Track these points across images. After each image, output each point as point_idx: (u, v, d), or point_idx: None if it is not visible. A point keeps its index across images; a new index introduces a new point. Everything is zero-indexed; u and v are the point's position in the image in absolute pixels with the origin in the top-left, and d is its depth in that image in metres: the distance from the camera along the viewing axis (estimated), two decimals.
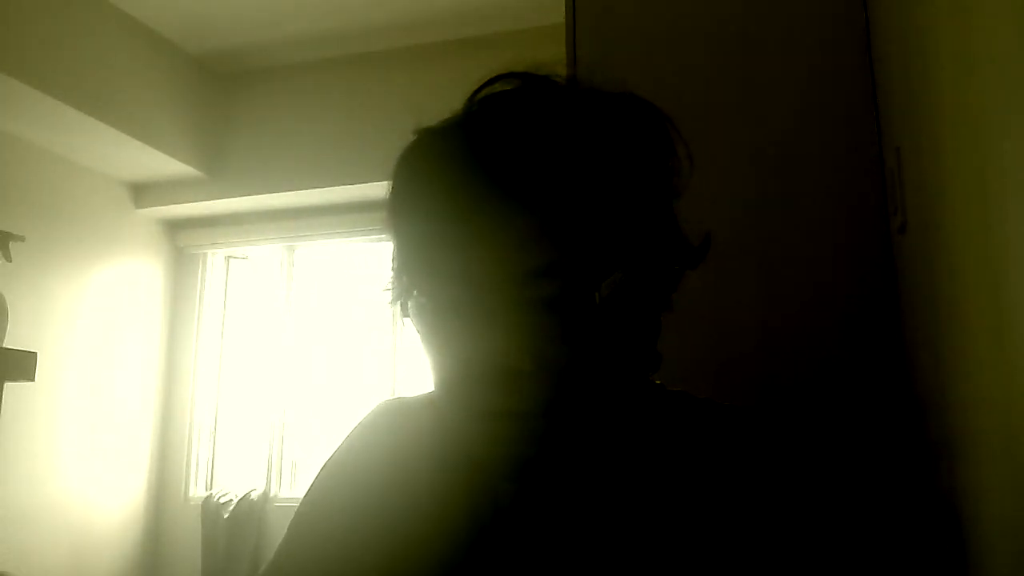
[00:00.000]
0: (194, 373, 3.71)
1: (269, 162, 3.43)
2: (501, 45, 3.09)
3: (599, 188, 0.50)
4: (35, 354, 1.62)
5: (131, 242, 3.56)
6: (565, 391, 0.49)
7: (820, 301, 1.14)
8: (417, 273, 0.52)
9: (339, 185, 3.31)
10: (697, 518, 0.54)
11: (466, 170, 0.49)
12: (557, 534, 0.56)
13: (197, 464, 3.66)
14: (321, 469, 0.67)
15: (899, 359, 1.08)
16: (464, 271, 0.49)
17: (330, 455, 0.68)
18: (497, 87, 0.54)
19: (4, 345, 1.61)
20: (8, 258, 1.80)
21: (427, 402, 0.64)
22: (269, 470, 3.49)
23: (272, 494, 3.45)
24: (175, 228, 3.78)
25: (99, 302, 3.33)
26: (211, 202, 3.54)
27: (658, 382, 0.62)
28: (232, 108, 3.57)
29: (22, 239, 1.83)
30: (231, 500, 3.40)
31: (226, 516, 3.35)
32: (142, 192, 3.58)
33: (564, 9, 1.36)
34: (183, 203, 3.55)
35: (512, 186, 0.48)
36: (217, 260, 3.87)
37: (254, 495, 3.41)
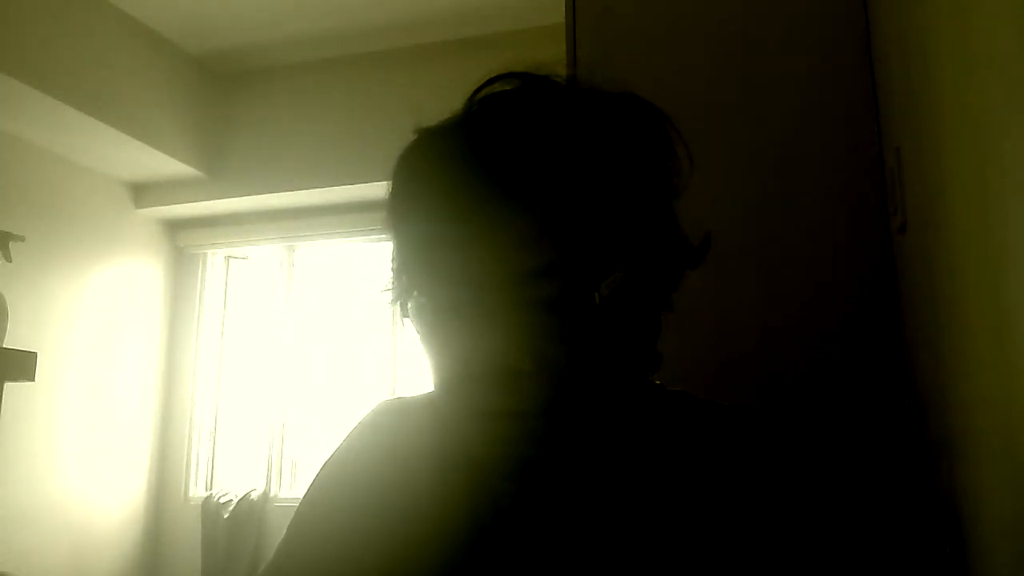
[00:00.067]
0: (194, 373, 3.71)
1: (269, 162, 3.43)
2: (501, 45, 3.09)
3: (599, 188, 0.50)
4: (35, 354, 1.62)
5: (131, 242, 3.56)
6: (565, 391, 0.49)
7: (820, 301, 1.14)
8: (417, 273, 0.52)
9: (339, 185, 3.31)
10: (697, 518, 0.54)
11: (466, 170, 0.49)
12: (557, 534, 0.56)
13: (197, 464, 3.66)
14: (321, 469, 0.67)
15: (899, 359, 1.08)
16: (464, 271, 0.49)
17: (330, 455, 0.68)
18: (497, 87, 0.54)
19: (4, 345, 1.61)
20: (8, 258, 1.80)
21: (427, 402, 0.64)
22: (269, 470, 3.49)
23: (272, 494, 3.45)
24: (175, 228, 3.78)
25: (99, 302, 3.33)
26: (211, 202, 3.54)
27: (658, 382, 0.62)
28: (232, 108, 3.57)
29: (22, 239, 1.83)
30: (231, 500, 3.40)
31: (226, 516, 3.35)
32: (142, 192, 3.58)
33: (564, 9, 1.36)
34: (183, 203, 3.55)
35: (512, 186, 0.48)
36: (217, 260, 3.87)
37: (254, 495, 3.41)
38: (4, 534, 2.81)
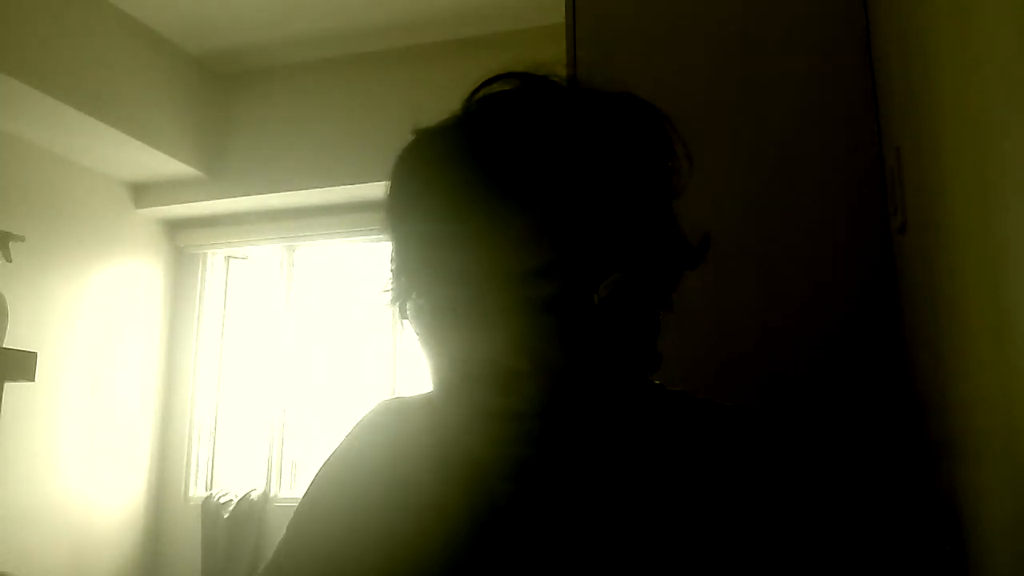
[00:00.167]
0: (194, 373, 3.71)
1: (269, 162, 3.43)
2: (501, 45, 3.09)
3: (598, 188, 0.50)
4: (35, 354, 1.62)
5: (131, 242, 3.56)
6: (563, 392, 0.49)
7: (820, 301, 1.14)
8: (416, 273, 0.52)
9: (339, 185, 3.31)
10: (696, 518, 0.54)
11: (465, 170, 0.49)
12: (555, 534, 0.56)
13: (197, 464, 3.66)
14: (320, 468, 0.67)
15: (899, 359, 1.08)
16: (463, 271, 0.49)
17: (330, 454, 0.68)
18: (496, 87, 0.54)
19: (4, 345, 1.61)
20: (8, 258, 1.80)
21: (426, 402, 0.64)
22: (269, 470, 3.49)
23: (272, 494, 3.45)
24: (175, 228, 3.78)
25: (99, 302, 3.33)
26: (211, 202, 3.54)
27: (658, 382, 0.62)
28: (232, 108, 3.57)
29: (22, 239, 1.83)
30: (231, 500, 3.40)
31: (226, 516, 3.35)
32: (142, 192, 3.58)
33: (564, 9, 1.36)
34: (183, 203, 3.55)
35: (511, 186, 0.48)
36: (217, 260, 3.87)
37: (254, 495, 3.41)
38: (4, 534, 2.81)
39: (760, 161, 1.21)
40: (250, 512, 3.36)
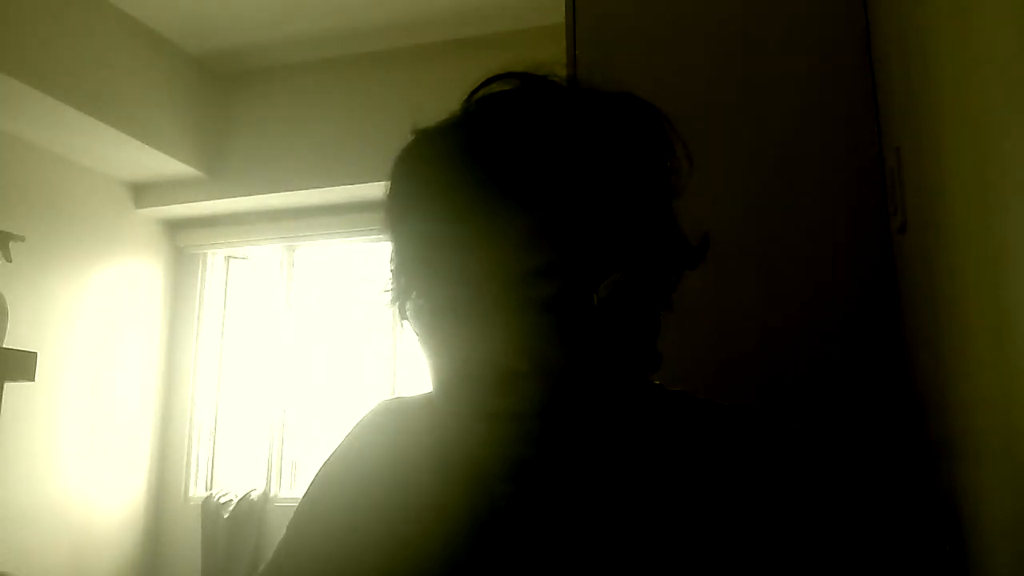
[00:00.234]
0: (194, 373, 3.71)
1: (269, 162, 3.43)
2: (501, 45, 3.09)
3: (597, 188, 0.50)
4: (35, 354, 1.62)
5: (131, 242, 3.56)
6: (563, 392, 0.49)
7: (820, 301, 1.14)
8: (415, 274, 0.52)
9: (339, 185, 3.31)
10: (696, 519, 0.54)
11: (464, 170, 0.49)
12: (555, 535, 0.56)
13: (197, 464, 3.66)
14: (320, 468, 0.67)
15: (899, 359, 1.08)
16: (462, 271, 0.49)
17: (329, 454, 0.68)
18: (495, 87, 0.54)
19: (4, 345, 1.61)
20: (8, 258, 1.80)
21: (426, 402, 0.64)
22: (269, 470, 3.49)
23: (272, 494, 3.45)
24: (175, 228, 3.78)
25: (99, 302, 3.33)
26: (211, 202, 3.54)
27: (658, 382, 0.62)
28: (232, 108, 3.57)
29: (22, 239, 1.83)
30: (231, 500, 3.40)
31: (226, 516, 3.35)
32: (142, 192, 3.58)
33: (564, 9, 1.35)
34: (183, 203, 3.55)
35: (510, 186, 0.48)
36: (217, 260, 3.87)
37: (254, 495, 3.41)
38: (4, 534, 2.81)
39: (760, 161, 1.21)
40: (250, 512, 3.36)
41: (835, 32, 1.23)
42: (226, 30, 3.25)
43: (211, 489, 3.59)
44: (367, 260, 3.70)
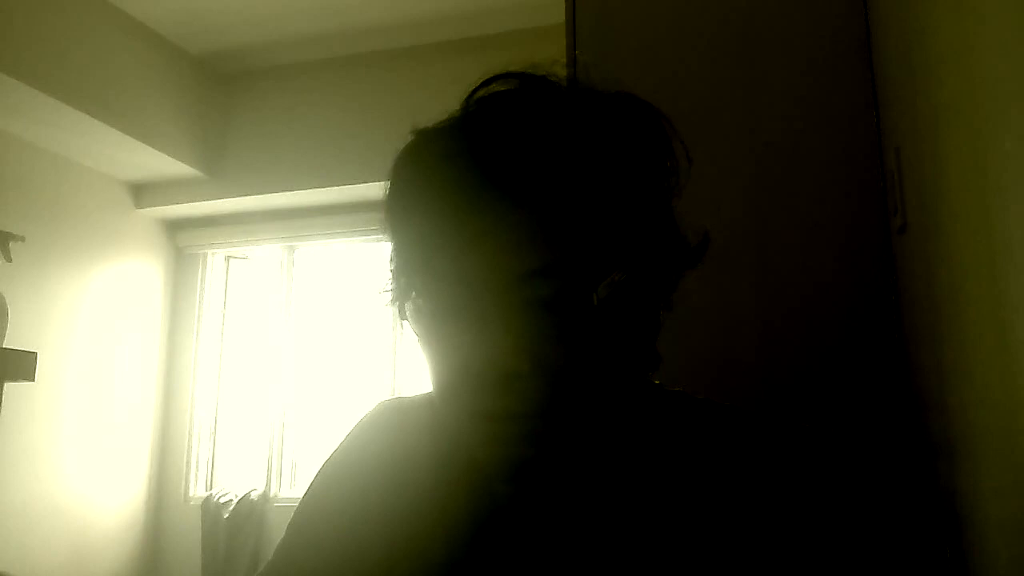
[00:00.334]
0: (194, 373, 3.71)
1: (269, 162, 3.43)
2: (501, 45, 3.09)
3: (597, 188, 0.50)
4: (35, 354, 1.62)
5: (131, 242, 3.56)
6: (563, 392, 0.49)
7: (820, 301, 1.14)
8: (415, 274, 0.52)
9: (339, 185, 3.31)
10: (696, 519, 0.54)
11: (464, 170, 0.49)
12: (555, 534, 0.56)
13: (197, 464, 3.66)
14: (320, 469, 0.67)
15: (899, 359, 1.08)
16: (462, 272, 0.49)
17: (329, 455, 0.68)
18: (495, 87, 0.53)
19: (4, 345, 1.62)
20: (8, 258, 1.80)
21: (426, 402, 0.64)
22: (269, 470, 3.49)
23: (272, 494, 3.45)
24: (175, 228, 3.78)
25: (99, 302, 3.33)
26: (211, 202, 3.54)
27: (658, 382, 0.62)
28: (232, 108, 3.57)
29: (22, 239, 1.83)
30: (231, 500, 3.40)
31: (226, 516, 3.35)
32: (142, 192, 3.58)
33: (564, 9, 1.35)
34: (183, 203, 3.55)
35: (510, 186, 0.48)
36: (217, 260, 3.87)
37: (254, 495, 3.41)
38: (4, 534, 2.81)
39: (760, 161, 1.21)
40: (250, 512, 3.36)
41: (835, 32, 1.23)
42: (226, 30, 3.25)
43: (211, 489, 3.59)
44: (367, 260, 3.70)
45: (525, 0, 2.91)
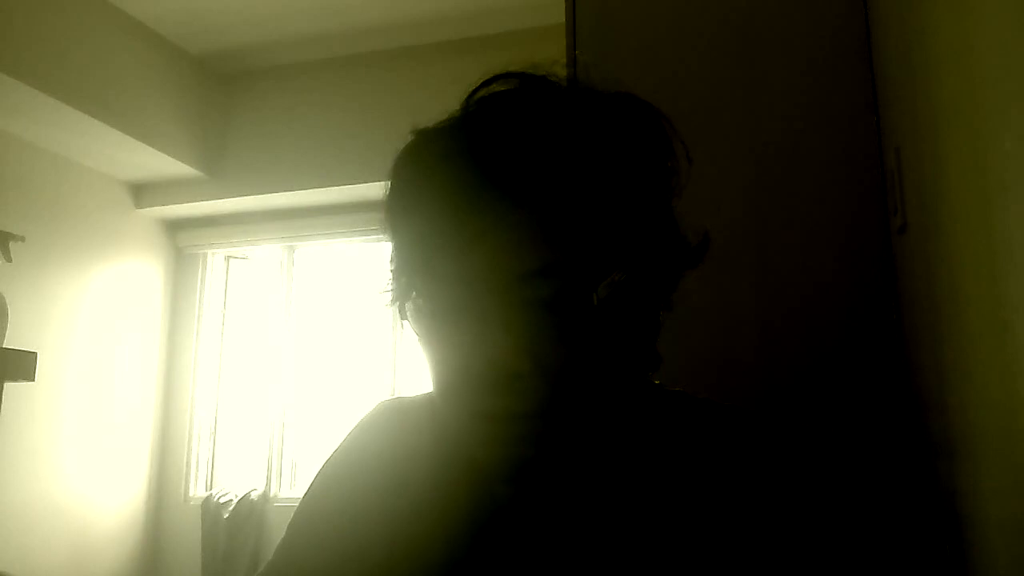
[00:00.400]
0: (194, 373, 3.71)
1: (269, 162, 3.43)
2: (501, 45, 3.09)
3: (597, 188, 0.50)
4: (35, 354, 1.62)
5: (131, 242, 3.56)
6: (563, 392, 0.49)
7: (820, 301, 1.14)
8: (415, 274, 0.52)
9: (339, 185, 3.31)
10: (696, 519, 0.54)
11: (464, 170, 0.49)
12: (556, 535, 0.56)
13: (197, 464, 3.66)
14: (320, 469, 0.67)
15: (899, 359, 1.08)
16: (462, 272, 0.49)
17: (329, 455, 0.68)
18: (495, 87, 0.53)
19: (4, 345, 1.62)
20: (8, 258, 1.80)
21: (426, 402, 0.64)
22: (269, 470, 3.49)
23: (272, 494, 3.45)
24: (175, 228, 3.78)
25: (99, 302, 3.33)
26: (211, 202, 3.54)
27: (658, 382, 0.62)
28: (232, 108, 3.57)
29: (22, 239, 1.83)
30: (231, 500, 3.40)
31: (226, 516, 3.35)
32: (142, 192, 3.58)
33: (564, 9, 1.35)
34: (183, 203, 3.55)
35: (510, 186, 0.48)
36: (217, 260, 3.87)
37: (254, 495, 3.41)
38: (4, 534, 2.81)
39: (760, 161, 1.21)
40: (250, 512, 3.36)
41: (835, 32, 1.23)
42: (226, 30, 3.25)
43: (211, 489, 3.59)
44: (367, 260, 3.70)
45: (525, 0, 2.91)
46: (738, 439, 0.57)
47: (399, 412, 0.67)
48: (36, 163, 3.08)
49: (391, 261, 0.55)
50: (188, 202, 3.54)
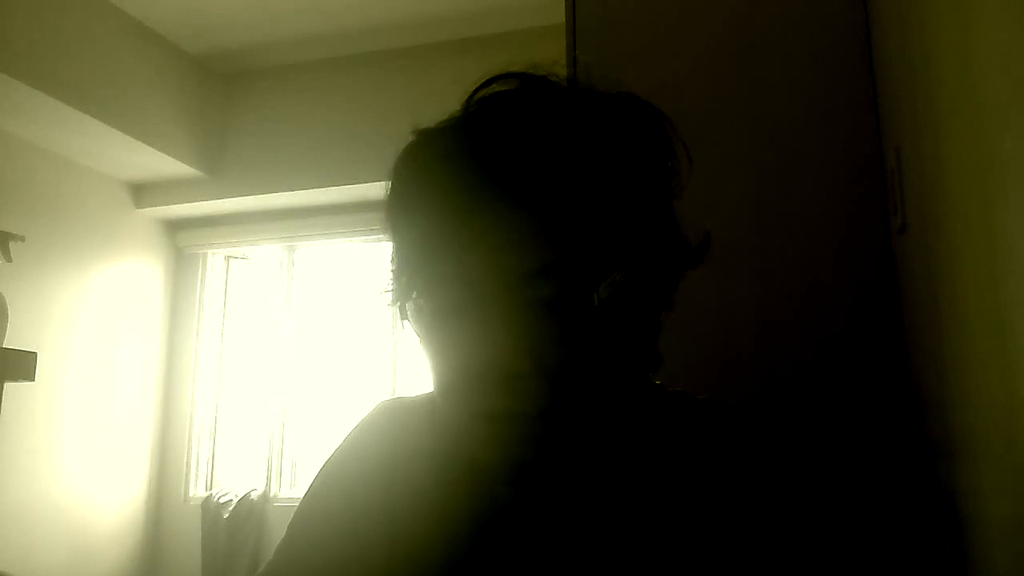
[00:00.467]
0: (194, 373, 3.71)
1: (269, 162, 3.43)
2: (501, 45, 3.09)
3: (598, 188, 0.50)
4: (35, 354, 1.62)
5: (131, 242, 3.56)
6: (564, 392, 0.49)
7: (820, 301, 1.14)
8: (416, 274, 0.52)
9: (339, 185, 3.31)
10: (696, 519, 0.54)
11: (465, 171, 0.49)
12: (556, 535, 0.56)
13: (197, 464, 3.66)
14: (320, 469, 0.67)
15: (899, 359, 1.08)
16: (462, 272, 0.49)
17: (329, 455, 0.68)
18: (495, 87, 0.54)
19: (4, 345, 1.61)
20: (8, 258, 1.80)
21: (427, 402, 0.64)
22: (269, 470, 3.49)
23: (272, 494, 3.45)
24: (175, 228, 3.78)
25: (99, 302, 3.33)
26: (211, 202, 3.54)
27: (658, 382, 0.62)
28: (232, 108, 3.57)
29: (22, 239, 1.83)
30: (231, 500, 3.40)
31: (226, 516, 3.35)
32: (142, 192, 3.58)
33: (564, 9, 1.35)
34: (183, 203, 3.55)
35: (511, 187, 0.48)
36: (217, 260, 3.87)
37: (254, 495, 3.41)
38: (4, 534, 2.81)
39: (760, 161, 1.21)
40: (250, 512, 3.36)
41: (835, 32, 1.23)
42: (226, 30, 3.25)
43: (211, 489, 3.59)
44: (367, 260, 3.70)
45: (525, 0, 2.91)
46: (739, 439, 0.57)
47: (399, 412, 0.67)
48: (36, 163, 3.08)
49: (391, 261, 0.55)
50: (188, 202, 3.54)
